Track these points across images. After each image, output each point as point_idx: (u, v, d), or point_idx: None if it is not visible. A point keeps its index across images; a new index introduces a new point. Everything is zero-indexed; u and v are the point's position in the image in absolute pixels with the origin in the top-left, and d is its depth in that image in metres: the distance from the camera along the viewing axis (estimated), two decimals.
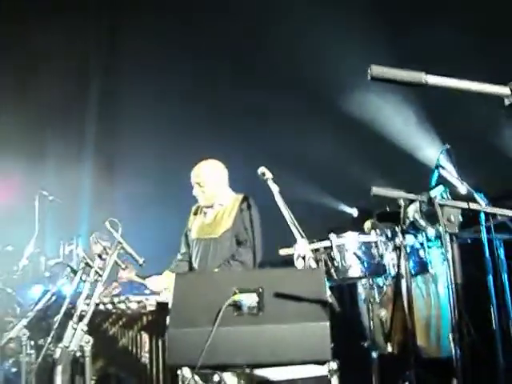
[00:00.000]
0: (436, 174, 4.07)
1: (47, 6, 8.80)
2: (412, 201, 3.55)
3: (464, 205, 2.15)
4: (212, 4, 8.20)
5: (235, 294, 2.81)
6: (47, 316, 4.27)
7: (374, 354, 3.83)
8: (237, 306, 2.80)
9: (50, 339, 3.69)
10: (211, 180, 4.35)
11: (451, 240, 2.12)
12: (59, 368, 3.08)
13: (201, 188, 4.35)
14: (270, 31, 7.63)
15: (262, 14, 7.69)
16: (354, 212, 7.24)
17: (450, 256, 2.12)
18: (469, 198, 3.98)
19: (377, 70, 1.37)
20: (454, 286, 2.08)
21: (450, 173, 4.15)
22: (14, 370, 5.33)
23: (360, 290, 4.53)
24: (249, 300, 2.81)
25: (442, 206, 2.13)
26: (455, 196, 3.88)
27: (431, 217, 3.95)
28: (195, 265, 4.37)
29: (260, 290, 2.84)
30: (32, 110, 8.81)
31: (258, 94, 7.73)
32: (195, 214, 4.55)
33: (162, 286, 4.08)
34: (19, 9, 8.86)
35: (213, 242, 4.28)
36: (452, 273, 2.08)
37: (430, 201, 2.16)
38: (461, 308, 2.12)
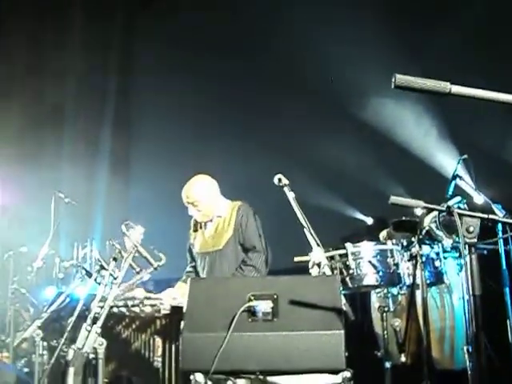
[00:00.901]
0: (453, 184, 4.05)
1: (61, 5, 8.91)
2: (429, 210, 3.53)
3: (484, 215, 2.12)
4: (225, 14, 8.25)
5: (250, 300, 2.81)
6: (61, 317, 4.29)
7: (388, 364, 3.80)
8: (251, 312, 2.79)
9: (63, 341, 3.70)
10: (204, 197, 4.34)
11: (470, 251, 2.09)
12: (71, 370, 3.09)
13: (195, 207, 4.36)
14: (286, 37, 7.66)
15: (277, 18, 7.73)
16: (369, 220, 7.21)
17: (468, 267, 2.09)
18: (486, 209, 3.96)
19: (401, 78, 1.37)
20: (472, 298, 2.05)
21: (467, 183, 4.13)
22: (26, 369, 5.36)
23: (374, 298, 4.50)
24: (263, 306, 2.80)
25: (460, 215, 2.10)
26: (472, 207, 3.86)
27: (447, 227, 3.92)
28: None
29: (275, 296, 2.83)
30: (47, 113, 8.88)
31: (274, 98, 7.75)
32: (195, 230, 4.56)
33: (178, 298, 4.07)
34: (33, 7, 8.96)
35: (218, 254, 4.31)
36: (470, 285, 2.05)
37: (449, 210, 2.14)
38: (478, 320, 2.09)
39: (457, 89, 1.37)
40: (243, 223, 4.27)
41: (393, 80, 1.37)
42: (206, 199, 4.35)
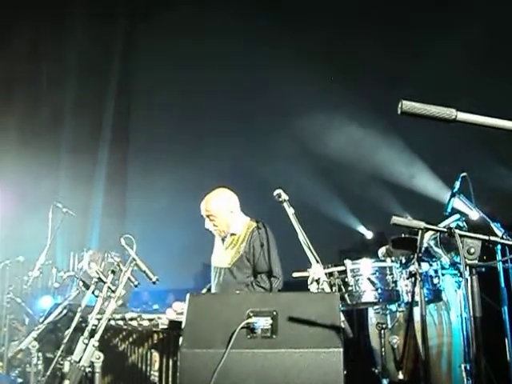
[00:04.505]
0: (452, 202, 4.06)
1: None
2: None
3: (485, 237, 2.13)
4: None
5: (249, 316, 2.80)
6: (57, 329, 4.27)
7: (385, 382, 3.79)
8: (250, 329, 2.78)
9: (59, 353, 3.69)
10: (221, 212, 4.25)
11: (470, 272, 2.10)
12: (67, 383, 3.08)
13: (212, 221, 4.28)
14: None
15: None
16: (369, 234, 7.23)
17: (468, 288, 2.09)
18: (482, 226, 3.97)
19: (407, 105, 1.38)
20: (473, 319, 2.05)
21: (465, 201, 4.14)
22: (20, 380, 5.33)
23: (371, 315, 4.49)
24: (263, 323, 2.79)
25: (462, 237, 2.11)
26: (472, 224, 3.87)
27: (447, 244, 3.93)
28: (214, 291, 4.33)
29: (274, 313, 2.83)
30: (45, 124, 8.89)
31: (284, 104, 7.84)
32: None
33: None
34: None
35: (227, 271, 4.24)
36: (471, 306, 2.05)
37: (450, 232, 2.14)
38: (479, 342, 2.09)
39: (462, 116, 1.38)
40: (256, 248, 4.16)
41: (399, 106, 1.38)
42: (223, 214, 4.25)
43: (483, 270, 3.98)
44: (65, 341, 3.69)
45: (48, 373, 3.87)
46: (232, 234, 4.30)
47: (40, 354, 4.18)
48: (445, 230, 2.19)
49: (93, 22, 9.02)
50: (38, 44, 8.98)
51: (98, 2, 9.12)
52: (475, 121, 1.38)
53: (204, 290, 4.45)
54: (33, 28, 8.97)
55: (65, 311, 4.20)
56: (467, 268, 2.12)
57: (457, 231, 2.11)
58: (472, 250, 2.10)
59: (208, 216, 4.27)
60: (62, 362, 3.58)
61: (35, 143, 8.38)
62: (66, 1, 9.09)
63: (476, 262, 2.11)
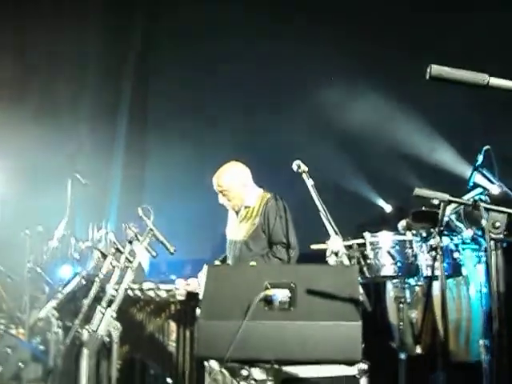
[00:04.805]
0: (474, 176, 3.98)
1: None
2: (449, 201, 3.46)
3: (511, 210, 2.06)
4: None
5: (267, 288, 2.78)
6: (76, 298, 4.30)
7: (403, 356, 3.76)
8: (268, 301, 2.76)
9: (77, 322, 3.71)
10: (233, 186, 4.27)
11: (495, 246, 2.04)
12: (85, 351, 3.10)
13: (225, 196, 4.30)
14: None
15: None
16: (388, 208, 7.16)
17: (493, 263, 2.04)
18: (506, 201, 3.88)
19: (436, 69, 1.32)
20: (496, 294, 2.00)
21: (487, 175, 4.05)
22: (41, 347, 5.41)
23: (389, 288, 4.45)
24: (281, 295, 2.77)
25: (488, 210, 2.05)
26: (494, 199, 3.79)
27: (467, 218, 3.86)
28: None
29: (292, 285, 2.80)
30: (65, 93, 8.86)
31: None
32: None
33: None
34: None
35: (243, 243, 4.26)
36: (495, 281, 2.00)
37: (475, 205, 2.08)
38: (502, 317, 2.05)
39: (495, 81, 1.31)
40: (271, 218, 4.19)
41: (428, 70, 1.32)
42: (236, 188, 4.28)
43: (504, 245, 3.91)
44: (83, 310, 3.70)
45: (67, 342, 3.91)
46: (246, 207, 4.31)
47: (60, 323, 4.22)
48: (469, 203, 2.13)
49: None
50: (57, 15, 8.89)
51: None
52: (509, 86, 1.31)
53: (217, 262, 4.47)
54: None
55: (83, 281, 4.23)
56: (492, 242, 2.07)
57: (482, 204, 2.05)
58: (497, 224, 2.04)
59: (221, 191, 4.28)
60: (80, 331, 3.61)
61: (54, 113, 8.37)
62: None
63: (501, 236, 2.06)
